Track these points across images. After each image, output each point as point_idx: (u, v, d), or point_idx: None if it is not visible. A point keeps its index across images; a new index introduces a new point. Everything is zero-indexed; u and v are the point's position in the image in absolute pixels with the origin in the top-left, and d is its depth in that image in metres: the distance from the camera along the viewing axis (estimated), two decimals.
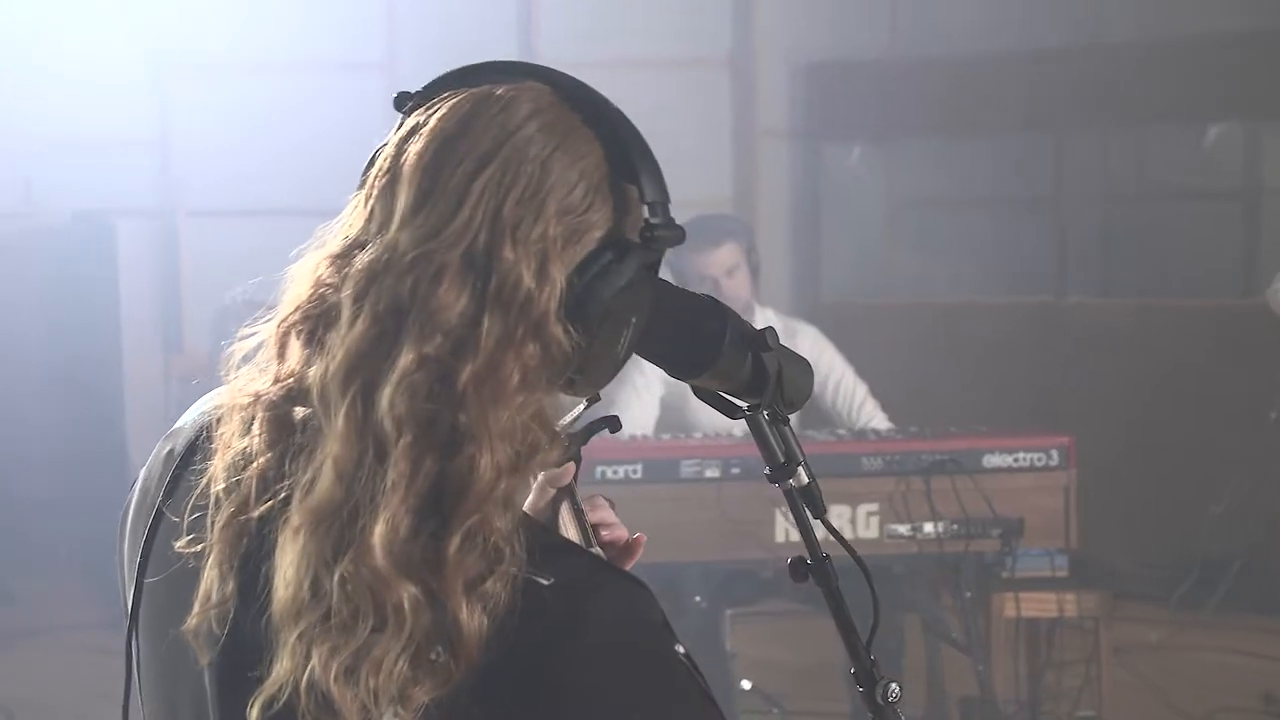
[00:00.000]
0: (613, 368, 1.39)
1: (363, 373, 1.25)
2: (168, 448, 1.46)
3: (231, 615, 1.29)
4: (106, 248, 6.85)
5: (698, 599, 4.39)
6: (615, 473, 4.23)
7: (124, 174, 6.99)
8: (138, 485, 1.49)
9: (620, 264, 1.33)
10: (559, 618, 1.23)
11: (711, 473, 4.27)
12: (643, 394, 4.73)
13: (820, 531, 1.66)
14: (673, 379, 4.33)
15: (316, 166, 7.31)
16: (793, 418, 1.67)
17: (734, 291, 4.78)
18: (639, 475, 4.26)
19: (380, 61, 7.57)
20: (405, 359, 1.24)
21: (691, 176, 7.58)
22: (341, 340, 1.27)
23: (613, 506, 1.86)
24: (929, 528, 4.30)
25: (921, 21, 7.63)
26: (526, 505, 1.91)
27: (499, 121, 1.31)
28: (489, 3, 7.71)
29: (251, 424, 1.32)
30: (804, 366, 1.72)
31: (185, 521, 1.34)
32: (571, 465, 1.93)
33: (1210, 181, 7.39)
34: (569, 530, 1.90)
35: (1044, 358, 7.01)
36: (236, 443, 1.32)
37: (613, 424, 2.00)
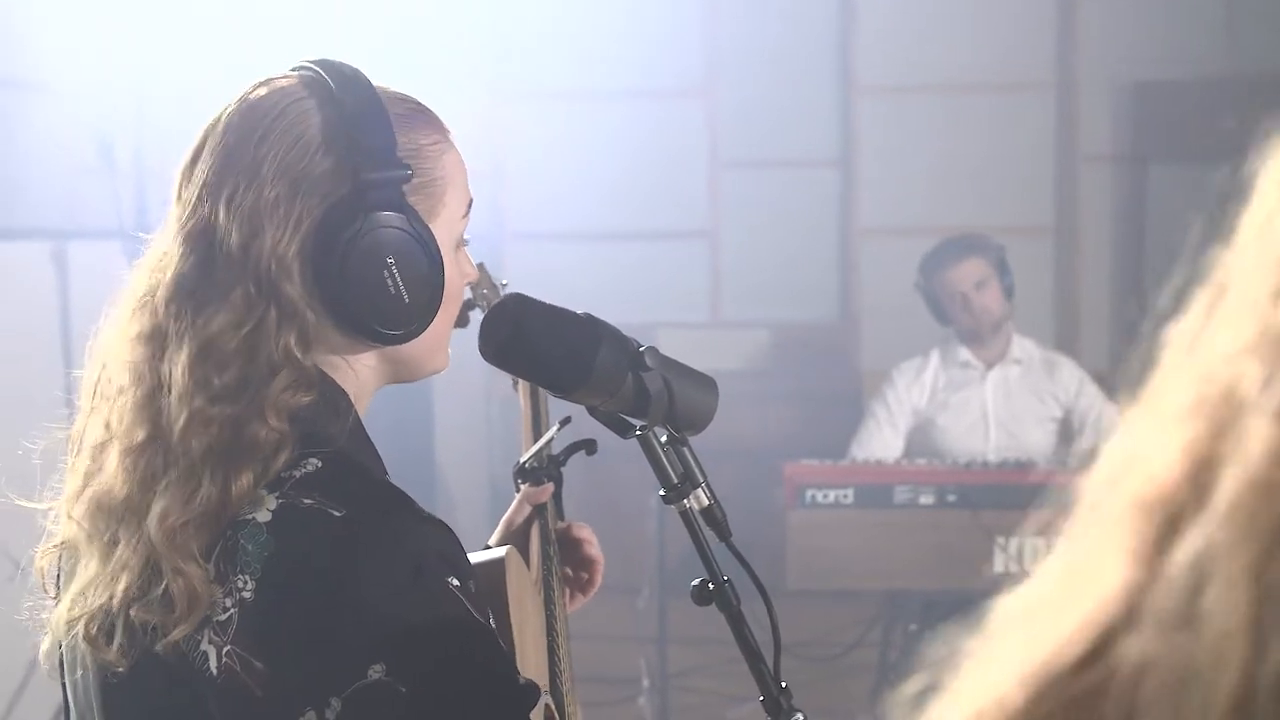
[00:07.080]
0: (407, 312, 1.47)
1: None
2: None
3: None
4: None
5: (913, 627, 4.28)
6: (825, 497, 4.20)
7: None
8: None
9: (350, 214, 1.42)
10: (345, 544, 1.35)
11: (926, 499, 4.20)
12: (884, 426, 4.64)
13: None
14: (920, 409, 4.37)
15: (635, 192, 7.51)
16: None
17: (984, 305, 4.66)
18: (850, 500, 4.23)
19: (701, 89, 7.67)
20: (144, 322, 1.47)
21: (1012, 201, 7.42)
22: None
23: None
24: None
25: (1261, 33, 7.24)
26: (508, 513, 1.98)
27: (226, 114, 1.47)
28: (809, 30, 7.71)
29: None
30: (704, 386, 1.68)
31: None
32: (550, 485, 1.98)
33: None
34: (532, 544, 1.96)
35: None
36: None
37: (589, 447, 2.05)
